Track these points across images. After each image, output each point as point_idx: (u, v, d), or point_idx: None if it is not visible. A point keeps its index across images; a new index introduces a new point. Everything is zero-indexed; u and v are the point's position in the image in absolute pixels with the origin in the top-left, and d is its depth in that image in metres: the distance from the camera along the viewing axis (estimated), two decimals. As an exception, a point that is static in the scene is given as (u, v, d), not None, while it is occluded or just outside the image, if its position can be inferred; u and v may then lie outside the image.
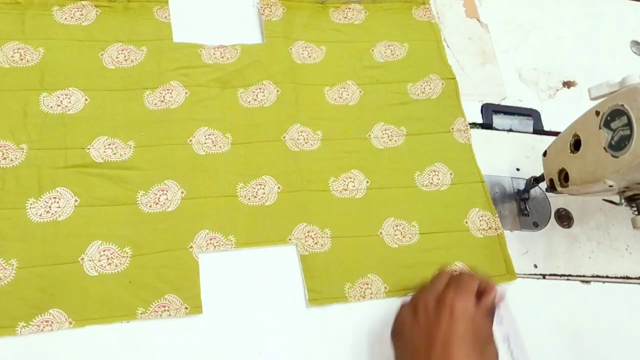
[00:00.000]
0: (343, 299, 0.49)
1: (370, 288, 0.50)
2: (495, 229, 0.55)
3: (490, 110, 0.62)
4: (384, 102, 0.59)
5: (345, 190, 0.54)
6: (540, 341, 0.51)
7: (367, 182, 0.55)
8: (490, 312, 0.42)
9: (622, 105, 0.42)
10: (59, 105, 0.51)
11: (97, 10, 0.55)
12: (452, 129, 0.59)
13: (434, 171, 0.56)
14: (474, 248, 0.53)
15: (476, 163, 0.58)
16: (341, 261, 0.50)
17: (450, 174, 0.56)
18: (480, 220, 0.55)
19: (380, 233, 0.52)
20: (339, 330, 0.48)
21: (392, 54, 0.61)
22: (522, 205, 0.57)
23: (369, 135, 0.57)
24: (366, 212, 0.53)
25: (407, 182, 0.55)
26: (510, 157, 0.60)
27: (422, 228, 0.53)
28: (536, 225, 0.57)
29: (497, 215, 0.55)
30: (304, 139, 0.55)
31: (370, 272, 0.50)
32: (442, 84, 0.61)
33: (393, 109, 0.59)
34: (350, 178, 0.54)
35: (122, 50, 0.54)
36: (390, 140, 0.57)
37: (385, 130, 0.57)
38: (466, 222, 0.54)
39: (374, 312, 0.49)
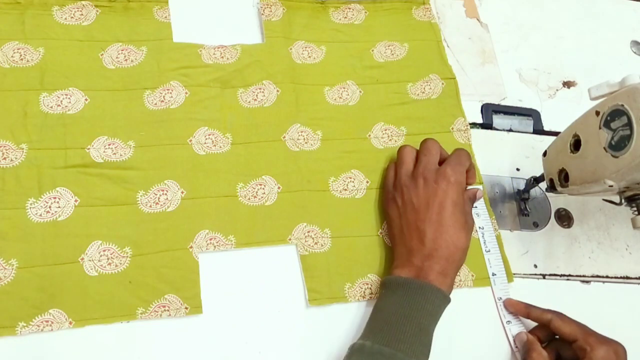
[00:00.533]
0: (343, 299, 0.49)
1: (370, 288, 0.50)
2: (493, 230, 0.55)
3: (490, 110, 0.62)
4: (384, 102, 0.59)
5: (345, 190, 0.54)
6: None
7: (367, 182, 0.55)
8: (472, 200, 0.51)
9: (622, 105, 0.42)
10: (59, 105, 0.51)
11: (97, 10, 0.55)
12: (452, 129, 0.59)
13: None
14: (472, 248, 0.53)
15: (476, 163, 0.57)
16: (341, 261, 0.50)
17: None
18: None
19: (380, 233, 0.52)
20: (340, 331, 0.48)
21: (392, 54, 0.61)
22: (522, 205, 0.57)
23: (369, 135, 0.57)
24: (366, 212, 0.53)
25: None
26: (510, 157, 0.60)
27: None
28: (536, 225, 0.57)
29: (494, 216, 0.55)
30: (304, 138, 0.55)
31: (370, 272, 0.50)
32: (442, 83, 0.61)
33: (393, 109, 0.59)
34: (350, 178, 0.54)
35: (122, 50, 0.54)
36: (390, 140, 0.57)
37: (385, 130, 0.57)
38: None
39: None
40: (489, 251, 0.54)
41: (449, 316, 0.46)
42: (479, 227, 0.54)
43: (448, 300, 0.46)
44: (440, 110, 0.59)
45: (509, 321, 0.51)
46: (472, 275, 0.52)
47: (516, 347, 0.50)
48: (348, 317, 0.49)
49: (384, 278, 0.47)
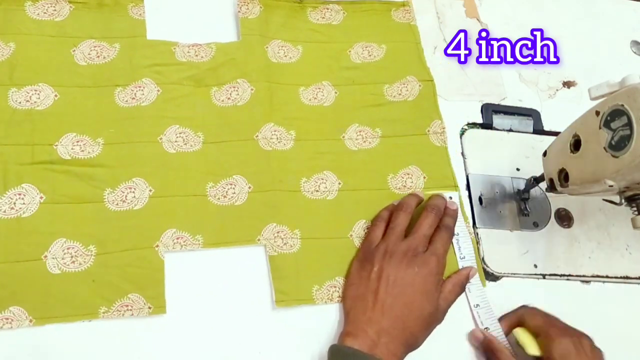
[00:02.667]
0: (310, 301, 0.48)
1: (338, 291, 0.49)
2: (469, 233, 0.54)
3: (490, 110, 0.62)
4: (360, 103, 0.58)
5: (317, 191, 0.53)
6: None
7: (340, 183, 0.54)
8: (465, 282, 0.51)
9: (622, 105, 0.42)
10: (27, 101, 0.50)
11: (70, 7, 0.55)
12: (428, 131, 0.58)
13: (408, 174, 0.56)
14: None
15: (451, 166, 0.57)
16: (310, 263, 0.50)
17: (424, 177, 0.56)
18: (452, 225, 0.54)
19: (351, 235, 0.52)
20: (313, 333, 0.48)
21: (370, 55, 0.61)
22: (522, 205, 0.57)
23: (343, 137, 0.56)
24: (337, 213, 0.53)
25: (379, 184, 0.55)
26: (510, 157, 0.60)
27: (393, 231, 0.53)
28: (536, 225, 0.57)
29: (468, 221, 0.55)
30: (277, 138, 0.54)
31: (339, 275, 0.50)
32: (420, 86, 0.60)
33: (368, 110, 0.58)
34: (322, 179, 0.54)
35: (95, 46, 0.54)
36: (364, 142, 0.57)
37: (360, 131, 0.57)
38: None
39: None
40: (463, 258, 0.53)
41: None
42: (455, 234, 0.53)
43: None
44: (416, 112, 0.59)
45: (486, 328, 0.50)
46: None
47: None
48: (315, 319, 0.48)
49: (333, 346, 0.44)
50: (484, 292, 0.52)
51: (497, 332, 0.50)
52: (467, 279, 0.50)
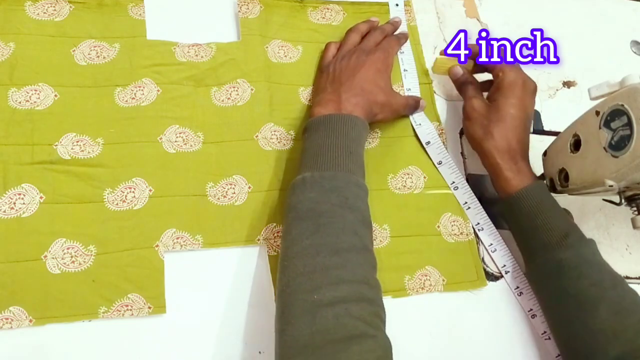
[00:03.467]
0: (310, 301, 0.48)
1: (338, 291, 0.49)
2: (467, 234, 0.54)
3: None
4: (359, 103, 0.58)
5: (317, 191, 0.53)
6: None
7: (339, 183, 0.54)
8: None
9: (622, 105, 0.42)
10: (27, 101, 0.50)
11: (70, 6, 0.55)
12: (428, 132, 0.58)
13: (408, 174, 0.56)
14: (445, 253, 0.53)
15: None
16: (310, 263, 0.50)
17: (424, 177, 0.56)
18: (452, 225, 0.54)
19: (351, 235, 0.52)
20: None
21: (370, 55, 0.61)
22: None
23: (343, 137, 0.56)
24: (337, 213, 0.53)
25: (379, 184, 0.55)
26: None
27: (393, 231, 0.53)
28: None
29: (468, 220, 0.55)
30: (277, 138, 0.54)
31: (339, 275, 0.50)
32: (418, 87, 0.60)
33: (368, 110, 0.58)
34: None
35: (95, 46, 0.54)
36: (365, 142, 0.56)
37: (360, 131, 0.57)
38: (438, 227, 0.54)
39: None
40: (406, 70, 0.61)
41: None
42: (400, 52, 0.59)
43: (367, 128, 0.51)
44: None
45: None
46: (444, 280, 0.52)
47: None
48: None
49: (306, 123, 0.50)
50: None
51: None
52: (416, 101, 0.57)
